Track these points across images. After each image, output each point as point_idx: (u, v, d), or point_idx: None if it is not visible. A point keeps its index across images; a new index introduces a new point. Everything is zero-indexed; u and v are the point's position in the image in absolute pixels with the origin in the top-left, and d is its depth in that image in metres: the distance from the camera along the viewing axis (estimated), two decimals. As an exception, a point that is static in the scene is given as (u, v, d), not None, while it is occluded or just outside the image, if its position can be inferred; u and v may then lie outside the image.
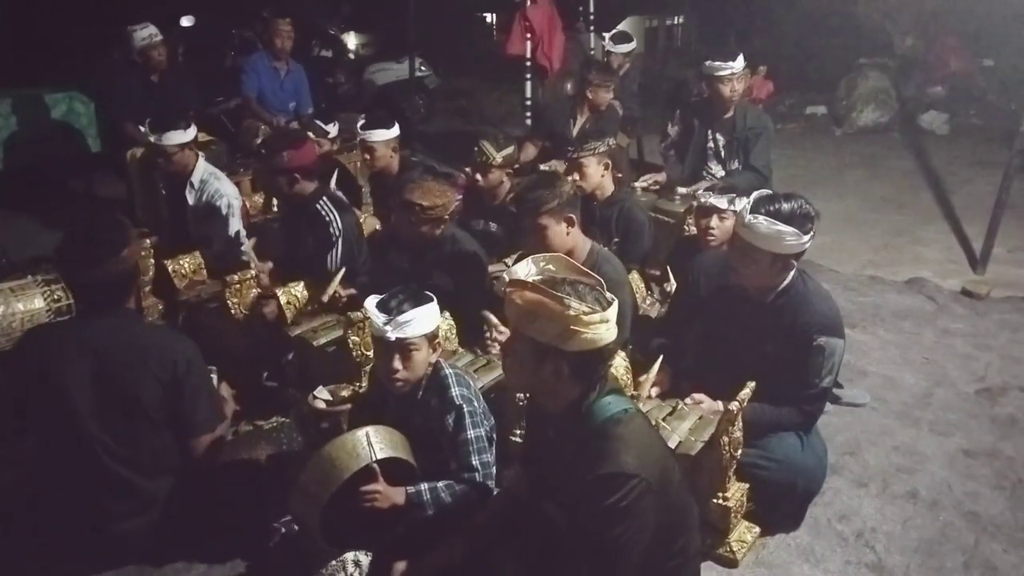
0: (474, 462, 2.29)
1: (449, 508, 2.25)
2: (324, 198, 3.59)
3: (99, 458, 2.27)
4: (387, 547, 2.23)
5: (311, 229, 3.58)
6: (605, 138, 3.96)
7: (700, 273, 2.96)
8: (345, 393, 2.93)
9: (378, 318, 2.27)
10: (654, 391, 2.55)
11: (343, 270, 3.43)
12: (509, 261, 3.78)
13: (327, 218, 3.53)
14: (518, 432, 2.75)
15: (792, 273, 2.58)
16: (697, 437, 2.44)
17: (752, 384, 2.41)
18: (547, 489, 2.01)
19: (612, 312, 1.81)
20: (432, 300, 2.34)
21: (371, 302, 2.31)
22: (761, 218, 2.41)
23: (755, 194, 2.49)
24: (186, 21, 7.48)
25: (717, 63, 4.44)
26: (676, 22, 13.11)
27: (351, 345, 2.97)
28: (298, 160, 3.50)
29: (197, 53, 7.44)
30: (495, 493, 2.33)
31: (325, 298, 3.28)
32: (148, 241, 3.81)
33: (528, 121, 6.17)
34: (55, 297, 3.41)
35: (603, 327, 1.79)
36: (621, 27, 7.67)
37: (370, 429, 2.22)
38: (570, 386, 1.86)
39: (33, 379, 2.26)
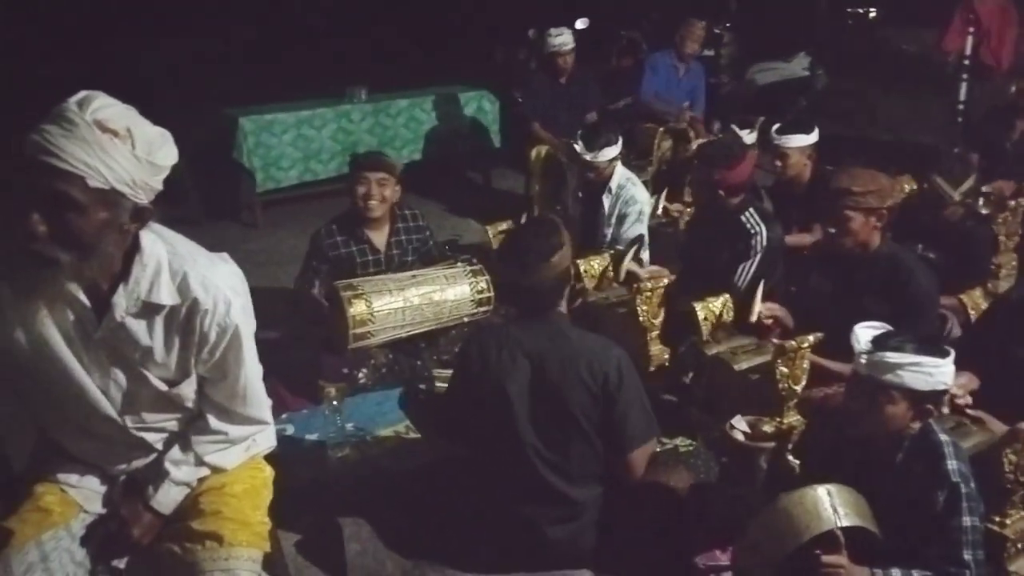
0: (966, 556, 1.88)
1: (923, 604, 1.88)
2: (751, 210, 3.38)
3: (531, 462, 2.26)
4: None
5: (729, 240, 3.39)
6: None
7: None
8: (768, 428, 2.65)
9: (860, 347, 1.99)
10: None
11: (761, 285, 3.16)
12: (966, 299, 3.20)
13: (752, 230, 3.32)
14: (997, 519, 2.25)
15: None
16: None
17: None
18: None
19: None
20: (947, 355, 1.96)
21: (863, 331, 2.02)
22: None
23: None
24: (580, 24, 7.73)
25: None
26: None
27: (778, 375, 2.71)
28: (728, 180, 3.35)
29: (585, 55, 7.68)
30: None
31: (753, 318, 3.03)
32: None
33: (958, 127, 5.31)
34: (479, 288, 3.63)
35: None
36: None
37: (832, 488, 1.93)
38: None
39: (475, 380, 2.32)
